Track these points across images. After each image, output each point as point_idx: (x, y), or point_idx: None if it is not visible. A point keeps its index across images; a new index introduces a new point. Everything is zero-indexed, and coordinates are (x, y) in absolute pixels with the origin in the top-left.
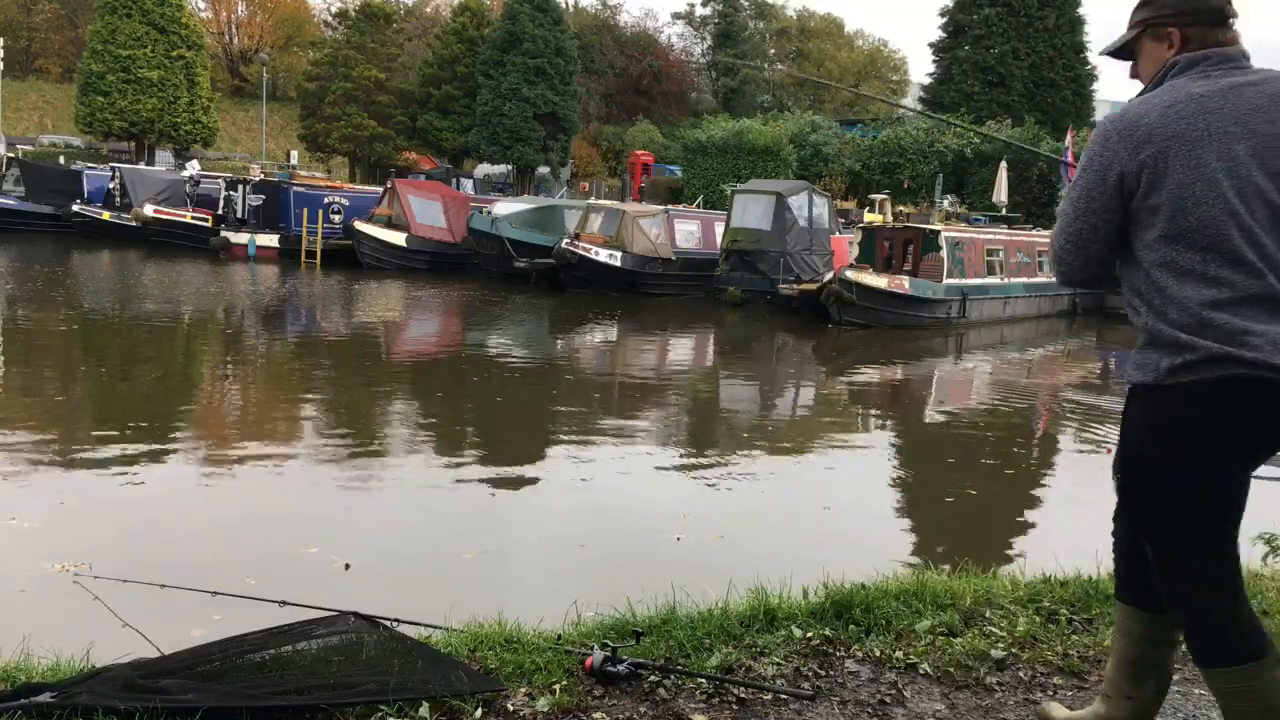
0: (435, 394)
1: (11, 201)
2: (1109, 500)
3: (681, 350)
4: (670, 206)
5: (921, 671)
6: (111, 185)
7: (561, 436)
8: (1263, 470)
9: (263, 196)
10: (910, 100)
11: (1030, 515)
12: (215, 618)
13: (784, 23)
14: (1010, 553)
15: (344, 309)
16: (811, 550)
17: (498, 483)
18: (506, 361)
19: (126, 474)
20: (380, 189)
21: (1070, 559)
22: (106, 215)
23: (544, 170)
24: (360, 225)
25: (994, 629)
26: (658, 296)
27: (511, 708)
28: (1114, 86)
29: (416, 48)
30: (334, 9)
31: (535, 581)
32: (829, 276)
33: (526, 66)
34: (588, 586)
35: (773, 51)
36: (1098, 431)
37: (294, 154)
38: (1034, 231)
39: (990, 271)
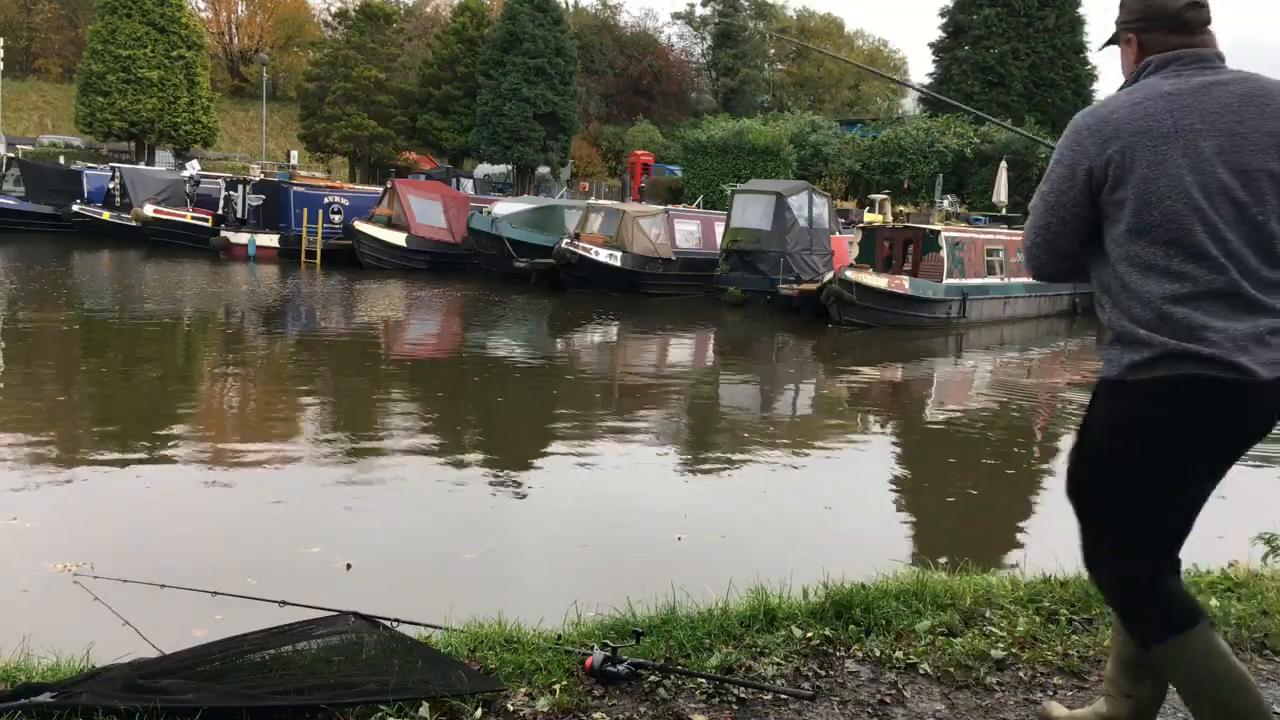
0: (436, 394)
1: (11, 201)
2: None
3: (682, 350)
4: (670, 206)
5: (921, 671)
6: (111, 185)
7: (562, 436)
8: None
9: (263, 196)
10: (910, 101)
11: (1030, 515)
12: (217, 617)
13: (784, 23)
14: (1010, 553)
15: (344, 309)
16: (812, 550)
17: (498, 482)
18: (507, 361)
19: (127, 474)
20: (380, 189)
21: (1070, 559)
22: (106, 215)
23: (544, 170)
24: (360, 225)
25: (994, 629)
26: (658, 296)
27: (511, 708)
28: (1114, 86)
29: (416, 48)
30: (334, 9)
31: (535, 581)
32: (829, 276)
33: (526, 66)
34: (588, 586)
35: (772, 51)
36: None
37: (294, 154)
38: None
39: (990, 271)
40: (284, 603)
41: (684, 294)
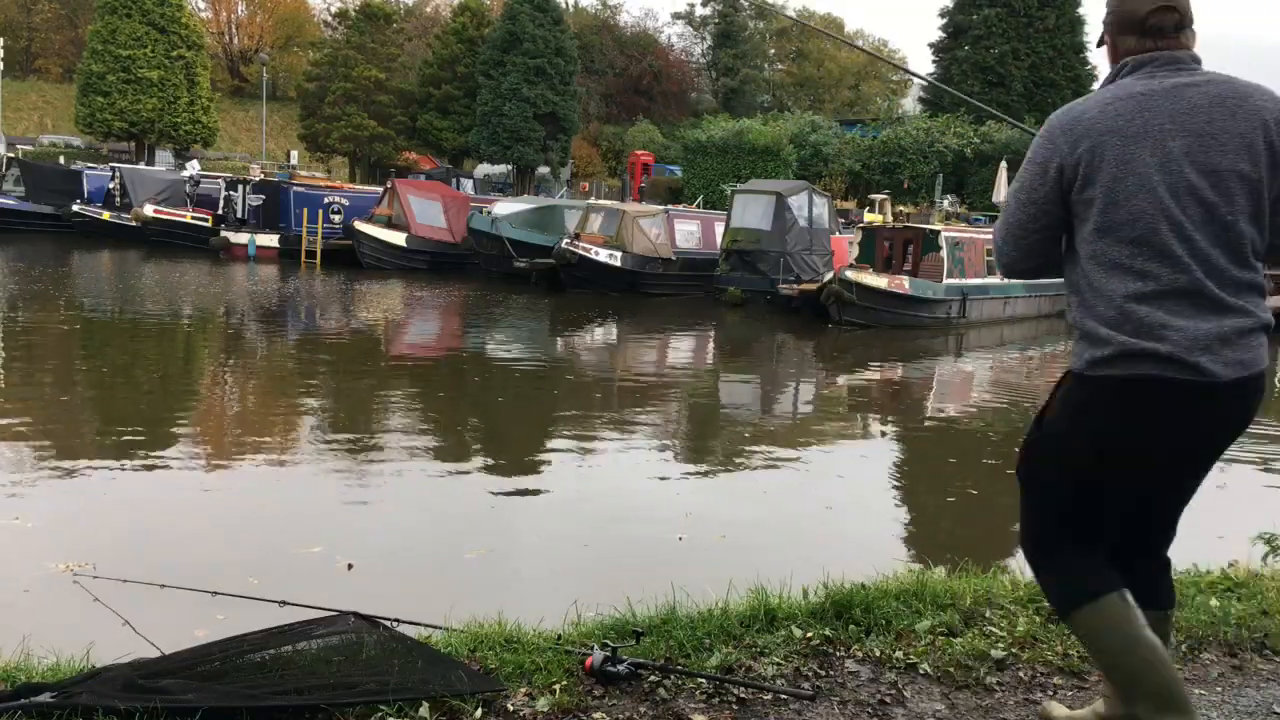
0: (436, 394)
1: (11, 201)
2: None
3: (682, 350)
4: (670, 206)
5: (921, 671)
6: (111, 185)
7: (563, 436)
8: None
9: (263, 196)
10: (910, 101)
11: None
12: (219, 617)
13: (784, 23)
14: (1010, 553)
15: (344, 309)
16: (812, 550)
17: (499, 482)
18: (507, 361)
19: (128, 474)
20: (380, 189)
21: None
22: (106, 215)
23: (544, 170)
24: (360, 225)
25: (994, 629)
26: (658, 296)
27: (511, 708)
28: None
29: (416, 48)
30: (334, 9)
31: (535, 581)
32: (829, 276)
33: (526, 66)
34: (588, 586)
35: (772, 51)
36: None
37: (294, 154)
38: None
39: (990, 271)
40: (284, 603)
41: (684, 294)
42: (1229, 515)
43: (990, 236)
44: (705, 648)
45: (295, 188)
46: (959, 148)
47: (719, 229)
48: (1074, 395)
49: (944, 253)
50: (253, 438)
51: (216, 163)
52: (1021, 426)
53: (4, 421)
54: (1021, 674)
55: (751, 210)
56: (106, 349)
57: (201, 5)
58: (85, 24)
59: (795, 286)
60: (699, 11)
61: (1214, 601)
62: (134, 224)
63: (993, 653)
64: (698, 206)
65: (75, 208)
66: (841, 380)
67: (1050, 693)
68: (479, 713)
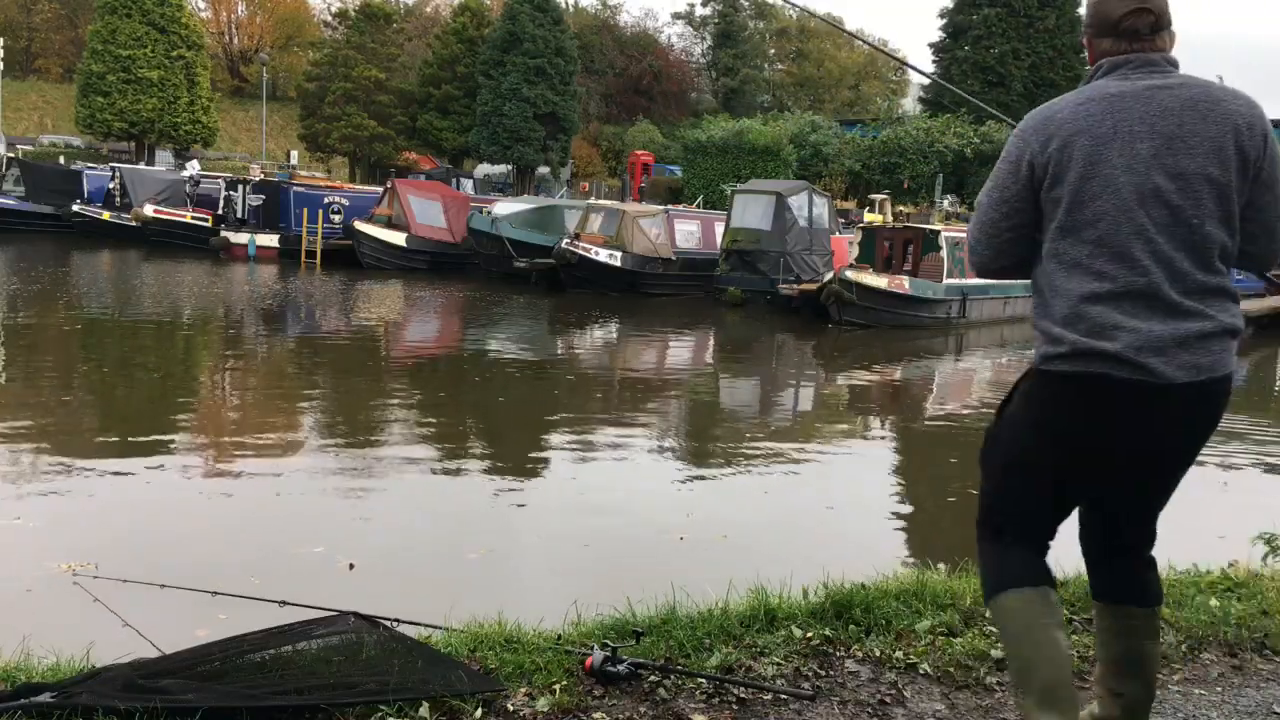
0: (437, 394)
1: (11, 201)
2: None
3: (682, 350)
4: (670, 206)
5: (921, 671)
6: (111, 185)
7: (563, 436)
8: None
9: (263, 196)
10: (910, 101)
11: None
12: (221, 617)
13: (784, 23)
14: None
15: (344, 309)
16: (813, 550)
17: (499, 482)
18: (507, 361)
19: (129, 474)
20: (380, 189)
21: (1070, 559)
22: (106, 215)
23: (544, 170)
24: (360, 225)
25: (994, 629)
26: (658, 296)
27: (511, 708)
28: None
29: (416, 48)
30: (334, 9)
31: (536, 581)
32: (829, 276)
33: (526, 66)
34: (589, 586)
35: (773, 51)
36: None
37: (294, 154)
38: None
39: None
40: (284, 603)
41: (684, 294)
42: (1229, 515)
43: None
44: (705, 648)
45: (295, 188)
46: (959, 148)
47: (719, 229)
48: (1032, 391)
49: (944, 253)
50: (253, 438)
51: (216, 163)
52: None
53: (5, 421)
54: None
55: (751, 210)
56: (107, 349)
57: (201, 5)
58: (85, 24)
59: (795, 286)
60: (699, 11)
61: (1214, 601)
62: (134, 224)
63: (993, 653)
64: (698, 206)
65: (75, 208)
66: (841, 380)
67: None
68: (479, 713)
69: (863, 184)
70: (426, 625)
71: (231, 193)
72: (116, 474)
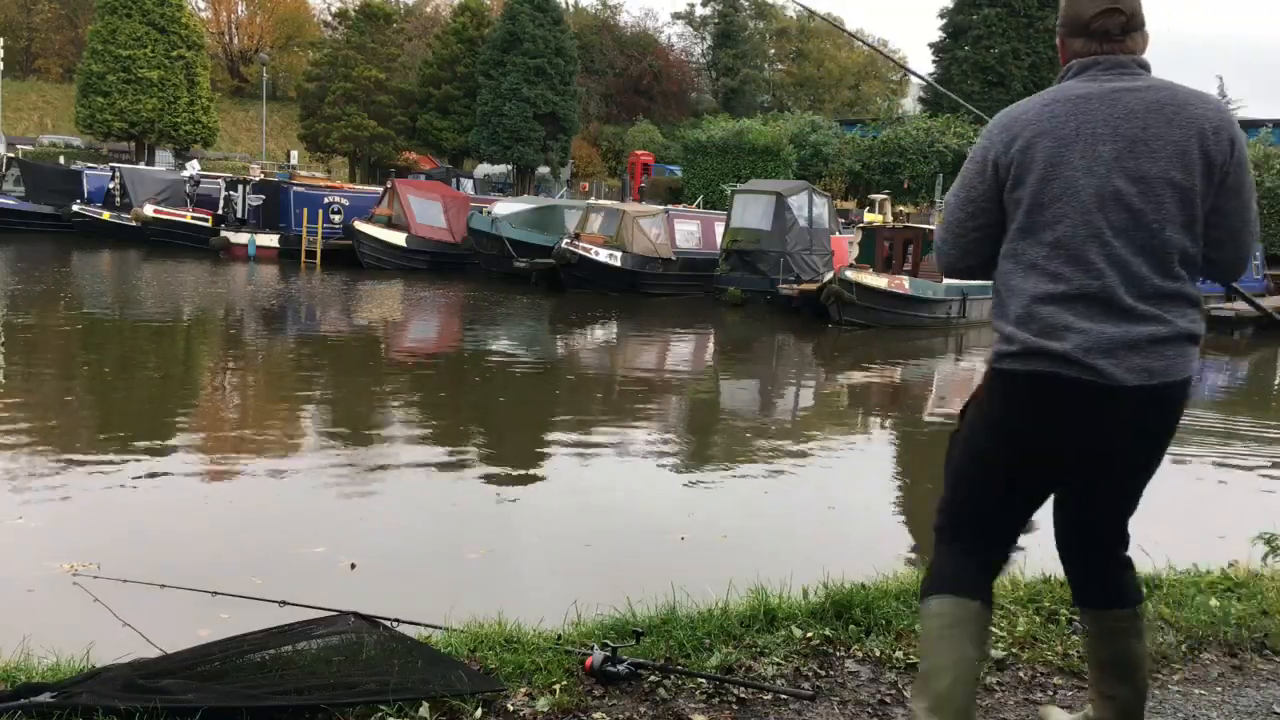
0: (437, 394)
1: (11, 201)
2: None
3: (682, 350)
4: (670, 206)
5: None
6: (111, 185)
7: (564, 436)
8: None
9: (263, 196)
10: (910, 101)
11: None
12: (223, 616)
13: (784, 23)
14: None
15: (344, 309)
16: (813, 550)
17: (500, 482)
18: (508, 361)
19: (130, 474)
20: (380, 189)
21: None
22: (106, 215)
23: (544, 170)
24: (360, 225)
25: (994, 629)
26: (658, 296)
27: (511, 708)
28: None
29: (416, 48)
30: (334, 9)
31: (536, 581)
32: (829, 276)
33: (526, 66)
34: (590, 587)
35: (773, 51)
36: None
37: (294, 154)
38: None
39: None
40: (284, 603)
41: (684, 294)
42: (1229, 515)
43: None
44: (705, 648)
45: (295, 188)
46: (959, 148)
47: (719, 229)
48: (987, 389)
49: None
50: (254, 438)
51: (216, 163)
52: None
53: (6, 421)
54: (1021, 674)
55: (751, 210)
56: (107, 349)
57: (201, 5)
58: (85, 24)
59: (795, 286)
60: (699, 11)
61: (1214, 601)
62: (134, 224)
63: (993, 653)
64: (698, 206)
65: (75, 208)
66: (841, 380)
67: (1050, 693)
68: (479, 713)
69: (863, 184)
70: (426, 625)
71: (231, 193)
72: (118, 474)
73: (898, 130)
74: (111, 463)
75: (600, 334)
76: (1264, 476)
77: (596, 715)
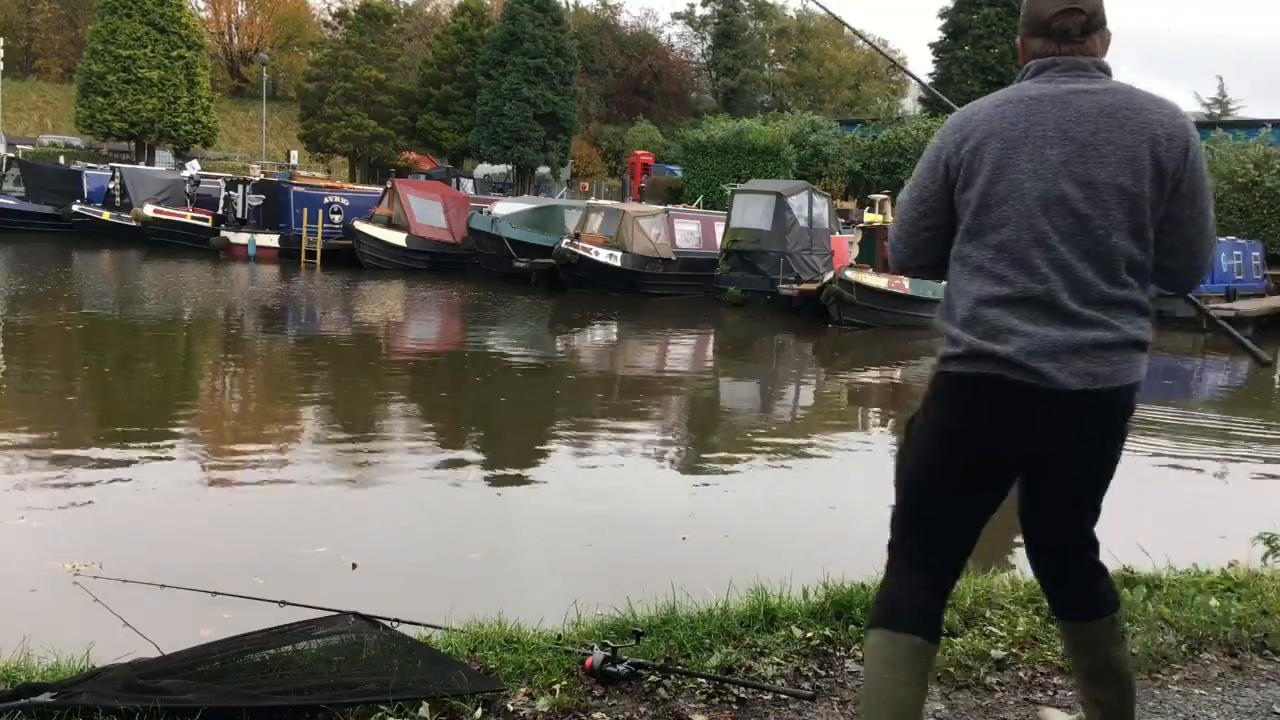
0: (438, 394)
1: (11, 201)
2: (1106, 500)
3: (682, 350)
4: (670, 206)
5: None
6: (111, 185)
7: (564, 436)
8: None
9: (263, 196)
10: (910, 101)
11: None
12: (225, 616)
13: (784, 23)
14: (1010, 553)
15: (344, 309)
16: (814, 550)
17: (501, 482)
18: (508, 361)
19: (131, 473)
20: (380, 189)
21: None
22: (106, 215)
23: (544, 170)
24: (360, 225)
25: (994, 629)
26: (658, 296)
27: (511, 708)
28: None
29: (416, 48)
30: (334, 9)
31: (536, 581)
32: (829, 276)
33: (526, 66)
34: (590, 586)
35: (773, 51)
36: None
37: (294, 154)
38: None
39: None
40: (284, 603)
41: (684, 294)
42: (1229, 515)
43: None
44: (705, 648)
45: (295, 188)
46: None
47: (719, 229)
48: (934, 393)
49: None
50: (254, 438)
51: (216, 163)
52: None
53: (7, 421)
54: (1021, 674)
55: (751, 210)
56: (108, 349)
57: (201, 5)
58: (85, 24)
59: (795, 286)
60: (699, 11)
61: (1214, 601)
62: (134, 224)
63: (993, 653)
64: (698, 206)
65: (75, 208)
66: (842, 380)
67: (1050, 693)
68: (479, 713)
69: (863, 184)
70: (426, 625)
71: (231, 193)
72: (119, 474)
73: (898, 130)
74: (113, 462)
75: (600, 334)
76: (1264, 477)
77: (596, 715)
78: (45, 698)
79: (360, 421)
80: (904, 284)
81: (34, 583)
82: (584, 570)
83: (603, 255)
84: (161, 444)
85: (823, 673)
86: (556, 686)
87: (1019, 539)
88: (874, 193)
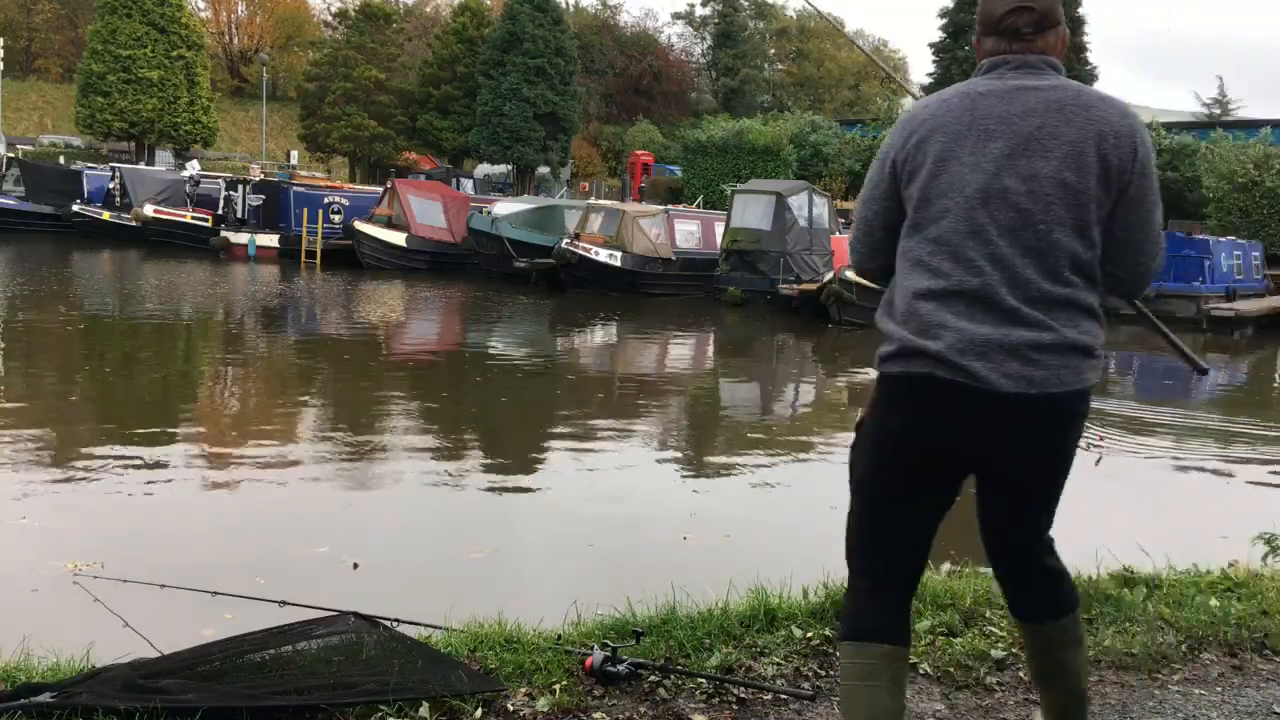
0: (439, 394)
1: (11, 201)
2: (1106, 501)
3: (682, 350)
4: (670, 206)
5: (921, 671)
6: (111, 185)
7: (565, 436)
8: None
9: (263, 196)
10: (910, 101)
11: None
12: (227, 617)
13: (784, 23)
14: None
15: (344, 309)
16: (814, 550)
17: (501, 482)
18: (508, 361)
19: (131, 474)
20: (380, 189)
21: (1070, 559)
22: (106, 215)
23: (544, 170)
24: (360, 225)
25: (994, 629)
26: (658, 296)
27: (511, 708)
28: (1114, 87)
29: (416, 48)
30: (334, 9)
31: (537, 581)
32: (829, 276)
33: (526, 66)
34: (591, 586)
35: (773, 51)
36: (1095, 432)
37: (294, 154)
38: None
39: None
40: (284, 603)
41: (684, 294)
42: (1229, 515)
43: None
44: (705, 648)
45: (295, 188)
46: None
47: (719, 229)
48: (876, 394)
49: None
50: (255, 438)
51: (216, 163)
52: None
53: (8, 421)
54: (1021, 674)
55: (751, 210)
56: (108, 349)
57: (201, 5)
58: (85, 24)
59: (795, 286)
60: (699, 11)
61: (1214, 601)
62: (134, 224)
63: (993, 653)
64: (698, 206)
65: (75, 208)
66: (842, 380)
67: None
68: (479, 713)
69: (862, 184)
70: (426, 625)
71: (231, 193)
72: (120, 474)
73: None
74: (114, 463)
75: (600, 334)
76: (1264, 477)
77: (596, 715)
78: (45, 698)
79: (361, 422)
80: None
81: (35, 582)
82: (584, 570)
83: (603, 255)
84: (162, 444)
85: (823, 673)
86: (556, 686)
87: None
88: None
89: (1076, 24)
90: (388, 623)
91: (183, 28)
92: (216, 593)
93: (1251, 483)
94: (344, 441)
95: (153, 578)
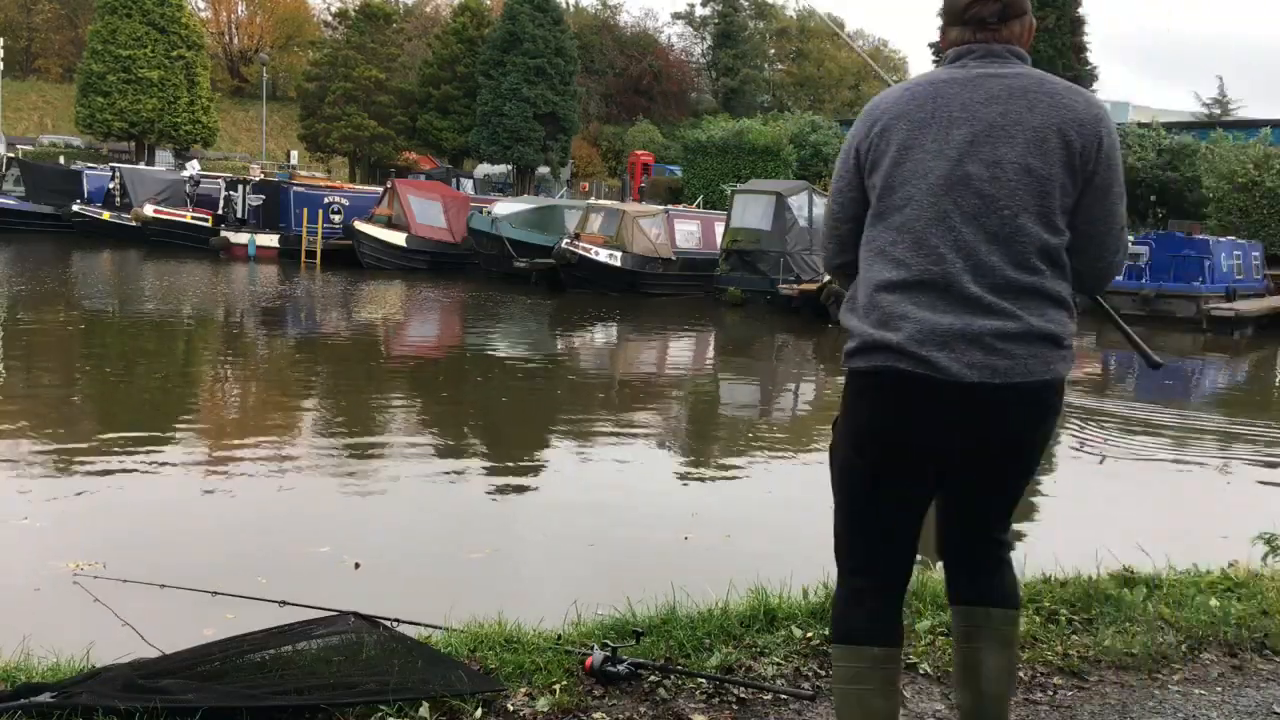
0: (439, 394)
1: (11, 201)
2: (1107, 501)
3: (682, 350)
4: (670, 206)
5: (921, 671)
6: (111, 185)
7: (565, 436)
8: None
9: (263, 196)
10: None
11: (1029, 515)
12: (228, 617)
13: (784, 23)
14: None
15: (344, 309)
16: (814, 550)
17: (502, 482)
18: (508, 361)
19: (131, 474)
20: (380, 189)
21: (1070, 559)
22: (106, 215)
23: (544, 170)
24: (360, 225)
25: None
26: (658, 296)
27: (511, 708)
28: (1114, 87)
29: (416, 48)
30: (334, 9)
31: (537, 581)
32: (829, 276)
33: (526, 66)
34: (591, 586)
35: (772, 51)
36: (1096, 432)
37: (294, 154)
38: None
39: None
40: (284, 603)
41: (684, 294)
42: (1229, 515)
43: None
44: (705, 648)
45: (295, 188)
46: None
47: (719, 229)
48: (847, 387)
49: None
50: (255, 438)
51: (216, 163)
52: None
53: (9, 421)
54: (1021, 674)
55: (751, 210)
56: (108, 349)
57: (201, 5)
58: (85, 24)
59: (795, 286)
60: (699, 11)
61: (1214, 601)
62: (134, 224)
63: None
64: (698, 206)
65: (75, 208)
66: (842, 380)
67: (1050, 693)
68: (479, 713)
69: None
70: (426, 625)
71: (231, 193)
72: (121, 474)
73: None
74: (114, 462)
75: (600, 334)
76: (1264, 477)
77: (596, 715)
78: (45, 698)
79: (361, 422)
80: None
81: (36, 582)
82: (584, 570)
83: (603, 255)
84: (163, 444)
85: (823, 673)
86: (556, 686)
87: (1018, 539)
88: None
89: (1076, 24)
90: (388, 623)
91: (183, 28)
92: (217, 593)
93: (1252, 483)
94: (344, 441)
95: (153, 578)
